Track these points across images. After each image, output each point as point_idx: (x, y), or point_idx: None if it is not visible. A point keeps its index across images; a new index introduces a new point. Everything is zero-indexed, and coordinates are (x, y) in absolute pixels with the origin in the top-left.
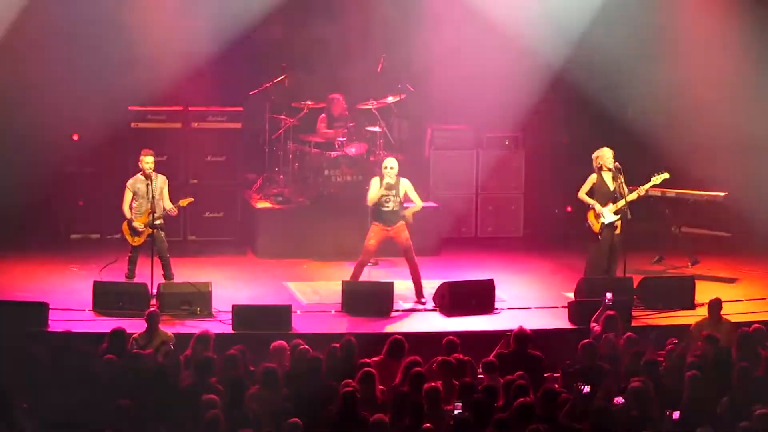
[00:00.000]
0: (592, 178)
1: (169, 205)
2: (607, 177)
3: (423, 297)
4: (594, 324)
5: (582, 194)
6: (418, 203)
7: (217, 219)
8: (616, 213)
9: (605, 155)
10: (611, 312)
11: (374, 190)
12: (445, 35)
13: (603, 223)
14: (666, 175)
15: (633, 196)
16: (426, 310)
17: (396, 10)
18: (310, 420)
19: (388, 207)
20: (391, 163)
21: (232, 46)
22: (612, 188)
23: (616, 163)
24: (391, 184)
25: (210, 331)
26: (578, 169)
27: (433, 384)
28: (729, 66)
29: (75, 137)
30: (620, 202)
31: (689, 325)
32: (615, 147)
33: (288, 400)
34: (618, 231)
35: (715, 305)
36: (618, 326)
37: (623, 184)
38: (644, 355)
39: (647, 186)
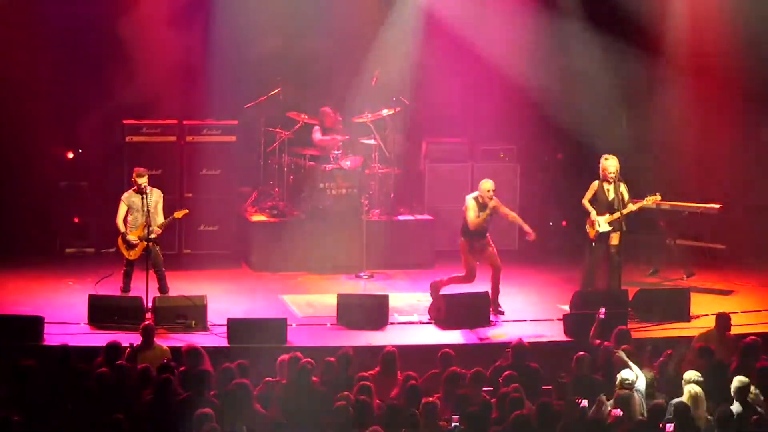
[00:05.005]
0: (594, 185)
1: (160, 221)
2: (609, 186)
3: (500, 306)
4: (595, 340)
5: (585, 201)
6: (511, 215)
7: (212, 232)
8: (609, 224)
9: (607, 165)
10: (623, 327)
11: (475, 214)
12: (440, 48)
13: (598, 231)
14: (658, 197)
15: (623, 211)
16: (422, 322)
17: (390, 23)
18: None
19: (485, 227)
20: (492, 186)
21: (226, 59)
22: (610, 198)
23: (613, 175)
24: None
25: (196, 345)
26: (573, 183)
27: (430, 399)
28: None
29: (69, 155)
30: (616, 213)
31: (685, 338)
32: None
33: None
34: (615, 243)
35: (723, 318)
36: (630, 340)
37: (623, 196)
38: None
39: (637, 206)
